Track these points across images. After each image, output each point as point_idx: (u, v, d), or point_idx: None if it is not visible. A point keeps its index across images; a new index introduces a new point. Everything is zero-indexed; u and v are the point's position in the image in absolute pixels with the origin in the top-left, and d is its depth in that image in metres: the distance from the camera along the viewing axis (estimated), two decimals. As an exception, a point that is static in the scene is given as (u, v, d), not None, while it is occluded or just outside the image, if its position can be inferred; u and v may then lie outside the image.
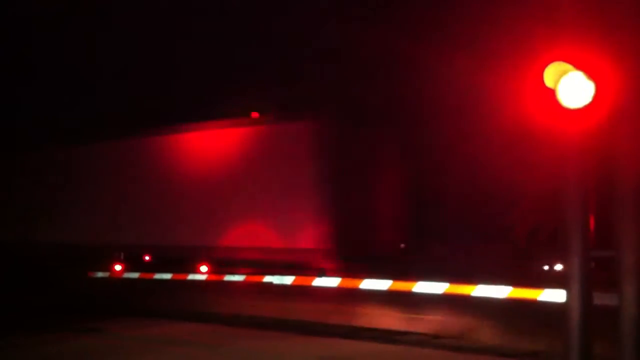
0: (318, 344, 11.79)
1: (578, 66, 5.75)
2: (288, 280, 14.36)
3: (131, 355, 10.84)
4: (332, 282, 13.81)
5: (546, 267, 14.35)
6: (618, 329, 5.76)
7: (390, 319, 13.07)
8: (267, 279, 14.72)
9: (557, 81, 5.78)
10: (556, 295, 10.30)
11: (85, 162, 17.62)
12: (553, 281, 10.61)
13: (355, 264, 13.92)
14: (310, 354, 10.80)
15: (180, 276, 16.26)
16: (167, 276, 16.53)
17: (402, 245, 19.89)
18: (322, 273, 13.98)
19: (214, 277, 15.84)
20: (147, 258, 17.54)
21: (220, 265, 15.75)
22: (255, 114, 15.22)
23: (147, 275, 16.86)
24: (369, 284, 13.23)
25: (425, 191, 14.98)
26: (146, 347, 11.43)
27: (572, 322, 5.79)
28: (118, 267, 17.39)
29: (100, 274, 17.61)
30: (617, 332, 5.76)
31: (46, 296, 17.56)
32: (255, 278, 15.15)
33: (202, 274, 16.03)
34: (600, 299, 6.06)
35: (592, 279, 5.88)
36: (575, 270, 5.82)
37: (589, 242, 5.80)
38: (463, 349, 11.26)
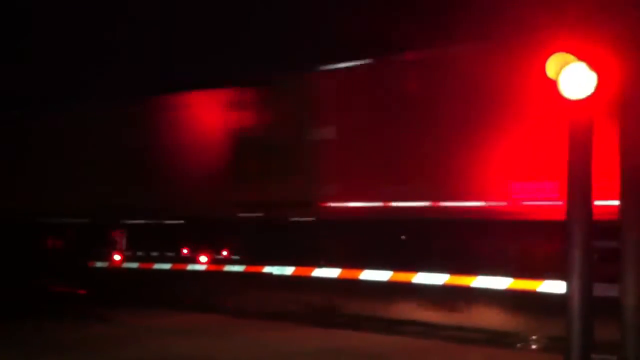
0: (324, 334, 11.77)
1: (580, 57, 5.73)
2: (288, 271, 14.34)
3: (138, 344, 10.84)
4: (332, 272, 13.81)
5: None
6: (619, 320, 5.77)
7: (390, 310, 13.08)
8: (267, 269, 14.71)
9: (559, 72, 5.76)
10: (556, 287, 10.32)
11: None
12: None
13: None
14: (316, 346, 10.78)
15: (180, 266, 16.28)
16: (167, 266, 16.53)
17: (403, 237, 19.92)
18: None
19: (214, 268, 15.85)
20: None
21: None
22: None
23: (146, 266, 16.87)
24: (368, 274, 13.21)
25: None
26: (153, 337, 11.45)
27: (573, 313, 5.79)
28: (117, 257, 17.39)
29: (99, 264, 17.62)
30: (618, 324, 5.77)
31: (52, 281, 17.57)
32: (254, 268, 15.14)
33: (201, 264, 16.03)
34: (601, 290, 6.06)
35: (593, 270, 5.87)
36: (576, 261, 5.82)
37: (590, 233, 5.79)
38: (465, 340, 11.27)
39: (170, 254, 16.38)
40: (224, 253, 16.23)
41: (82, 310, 14.33)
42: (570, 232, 5.80)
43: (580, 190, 5.73)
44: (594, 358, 5.78)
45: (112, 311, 14.02)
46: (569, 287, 5.83)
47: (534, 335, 11.14)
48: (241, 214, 14.29)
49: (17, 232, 18.57)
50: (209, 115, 14.80)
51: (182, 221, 15.84)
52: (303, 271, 14.10)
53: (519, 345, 11.00)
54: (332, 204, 12.65)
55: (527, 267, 11.05)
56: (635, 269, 5.72)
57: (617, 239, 5.78)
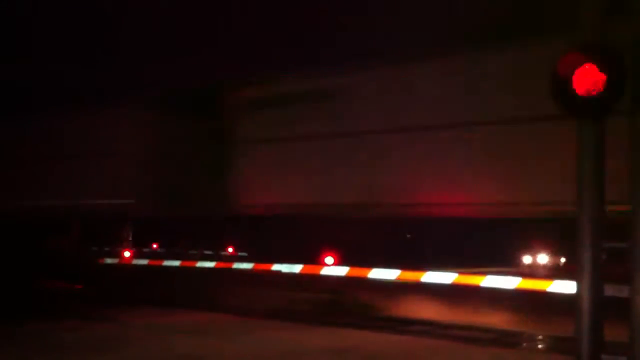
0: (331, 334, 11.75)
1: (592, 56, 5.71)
2: (296, 269, 14.34)
3: (140, 344, 10.83)
4: (340, 271, 13.81)
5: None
6: (629, 321, 5.74)
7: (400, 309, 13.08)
8: (276, 267, 14.71)
9: (571, 71, 5.75)
10: (566, 287, 10.29)
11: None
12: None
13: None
14: (324, 346, 10.74)
15: (189, 263, 16.31)
16: (176, 263, 16.57)
17: (408, 236, 19.90)
18: None
19: (223, 265, 15.89)
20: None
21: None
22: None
23: (155, 262, 16.92)
24: (376, 273, 13.20)
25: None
26: (155, 336, 11.44)
27: (583, 313, 5.77)
28: (127, 254, 17.43)
29: (109, 261, 17.67)
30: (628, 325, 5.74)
31: (56, 281, 17.61)
32: (263, 266, 15.15)
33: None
34: (612, 290, 6.02)
35: (603, 270, 5.85)
36: (587, 261, 5.79)
37: (601, 234, 5.77)
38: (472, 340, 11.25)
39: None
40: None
41: (84, 309, 14.32)
42: (580, 231, 5.78)
43: (590, 189, 5.71)
44: (604, 358, 5.76)
45: (114, 310, 14.03)
46: (578, 287, 5.81)
47: (540, 334, 11.14)
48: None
49: (19, 230, 18.57)
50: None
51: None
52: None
53: (525, 344, 11.00)
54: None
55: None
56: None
57: (627, 239, 5.74)
